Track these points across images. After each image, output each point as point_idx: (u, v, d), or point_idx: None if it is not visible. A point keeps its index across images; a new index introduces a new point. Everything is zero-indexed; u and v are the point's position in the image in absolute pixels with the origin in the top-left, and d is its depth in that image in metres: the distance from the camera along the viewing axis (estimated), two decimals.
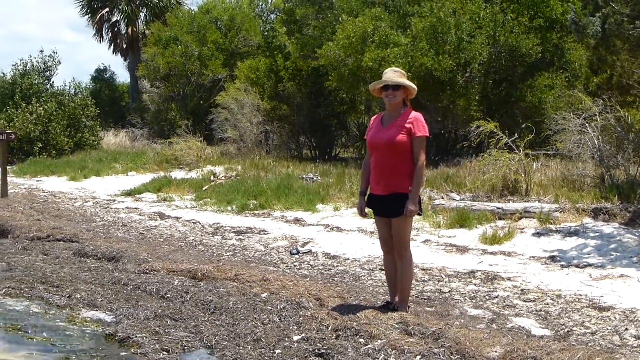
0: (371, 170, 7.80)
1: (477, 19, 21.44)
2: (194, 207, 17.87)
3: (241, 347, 7.14)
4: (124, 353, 7.30)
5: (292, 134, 29.42)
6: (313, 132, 29.03)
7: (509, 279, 9.67)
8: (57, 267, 11.39)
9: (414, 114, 7.60)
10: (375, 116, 8.09)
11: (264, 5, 38.76)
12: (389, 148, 7.54)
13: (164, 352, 7.18)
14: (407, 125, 7.50)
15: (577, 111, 16.11)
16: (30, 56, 40.56)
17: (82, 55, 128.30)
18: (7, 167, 22.32)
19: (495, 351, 6.47)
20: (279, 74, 27.93)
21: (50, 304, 9.26)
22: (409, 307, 7.94)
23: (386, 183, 7.58)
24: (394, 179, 7.53)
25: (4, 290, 9.97)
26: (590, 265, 10.12)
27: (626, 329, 7.41)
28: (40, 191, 23.05)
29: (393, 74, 7.66)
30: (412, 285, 8.92)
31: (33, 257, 12.21)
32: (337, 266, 11.12)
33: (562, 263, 10.32)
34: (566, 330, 7.50)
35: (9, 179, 22.46)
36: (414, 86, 7.72)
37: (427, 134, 7.57)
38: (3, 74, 36.63)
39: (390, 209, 7.60)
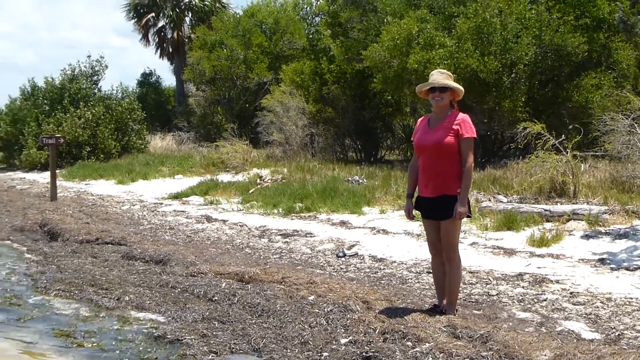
0: (419, 172, 7.77)
1: (522, 19, 21.27)
2: (240, 210, 17.93)
3: (288, 350, 7.15)
4: (173, 355, 7.35)
5: (337, 137, 29.42)
6: (358, 135, 29.00)
7: (557, 281, 9.59)
8: (105, 269, 11.51)
9: (461, 115, 7.56)
10: (422, 118, 8.04)
11: (308, 8, 38.91)
12: (436, 150, 7.51)
13: (212, 354, 7.23)
14: (454, 127, 7.47)
15: (626, 111, 15.93)
16: (78, 61, 41.13)
17: (129, 60, 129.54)
18: (57, 171, 22.56)
19: (545, 355, 6.42)
20: (323, 77, 27.96)
21: (99, 307, 9.36)
22: (456, 310, 7.91)
23: (434, 185, 7.55)
24: (442, 181, 7.50)
25: (54, 292, 10.11)
26: None
27: None
28: (89, 195, 23.31)
29: (440, 76, 7.63)
30: (460, 288, 8.89)
31: (82, 260, 12.35)
32: (383, 269, 11.09)
33: (611, 266, 10.21)
34: (617, 334, 7.41)
35: (58, 182, 22.72)
36: (461, 88, 7.69)
37: (475, 136, 7.52)
38: (52, 79, 36.98)
39: (439, 211, 7.57)
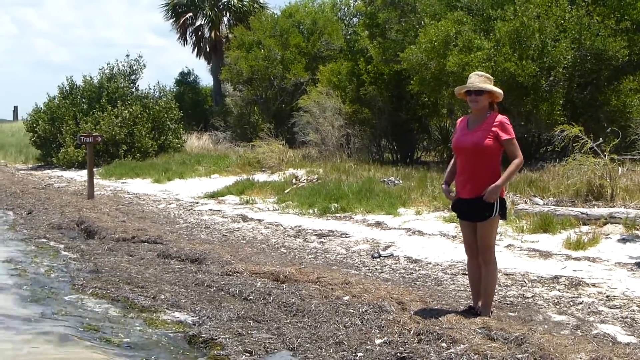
0: (457, 174, 7.78)
1: (562, 22, 21.14)
2: (276, 209, 17.99)
3: (323, 350, 7.18)
4: (207, 354, 7.40)
5: (373, 138, 29.42)
6: (394, 136, 28.97)
7: (593, 285, 9.55)
8: (141, 268, 11.60)
9: (499, 117, 7.55)
10: (461, 119, 8.04)
11: (346, 9, 38.90)
12: (475, 151, 7.51)
13: (247, 354, 7.26)
14: (493, 129, 7.47)
15: None
16: (117, 60, 41.28)
17: (166, 59, 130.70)
18: (94, 170, 22.74)
19: (580, 358, 6.40)
20: (360, 78, 27.96)
21: (135, 305, 9.44)
22: (492, 312, 7.90)
23: (472, 186, 7.55)
24: (480, 182, 7.49)
25: (91, 290, 10.21)
26: None
27: None
28: (125, 193, 23.49)
29: (477, 79, 7.62)
30: (495, 290, 8.88)
31: (119, 258, 12.46)
32: (419, 270, 11.10)
33: None
34: None
35: (95, 181, 22.90)
36: (499, 91, 7.67)
37: (513, 136, 7.56)
38: (90, 77, 37.22)
39: (475, 212, 7.57)
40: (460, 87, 7.79)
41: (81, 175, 28.94)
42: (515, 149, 7.49)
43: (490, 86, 7.65)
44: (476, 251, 7.76)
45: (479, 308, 7.85)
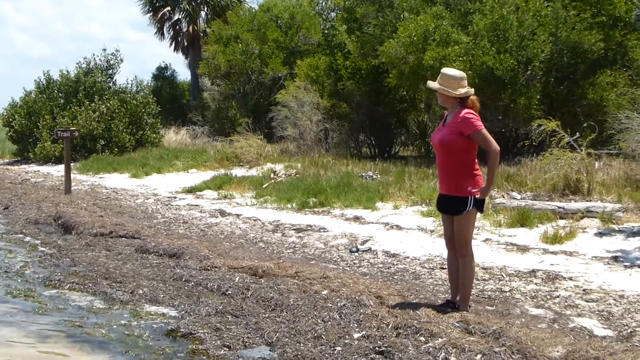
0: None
1: (539, 16, 21.23)
2: (254, 204, 17.96)
3: (302, 344, 7.19)
4: (185, 349, 7.39)
5: (351, 132, 29.41)
6: (372, 131, 28.99)
7: (570, 278, 9.60)
8: (119, 263, 11.58)
9: (463, 112, 7.60)
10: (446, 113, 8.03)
11: (324, 3, 38.83)
12: (442, 148, 7.63)
13: (225, 348, 7.27)
14: (456, 126, 7.52)
15: None
16: (94, 55, 41.17)
17: (144, 54, 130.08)
18: (71, 164, 22.62)
19: (557, 351, 6.44)
20: (338, 72, 27.95)
21: (113, 300, 9.42)
22: (470, 306, 7.93)
23: (446, 182, 7.63)
24: (452, 178, 7.59)
25: (68, 285, 10.17)
26: None
27: None
28: (103, 188, 23.38)
29: (440, 77, 7.67)
30: (473, 284, 8.91)
31: (96, 253, 12.42)
32: (397, 264, 11.12)
33: (625, 263, 10.21)
34: (629, 331, 7.42)
35: (72, 175, 22.79)
36: (435, 86, 7.70)
37: (477, 128, 7.55)
38: (67, 72, 36.97)
39: (451, 207, 7.63)
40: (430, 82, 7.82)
41: (58, 170, 28.78)
42: (485, 140, 7.50)
43: (433, 84, 7.69)
44: (454, 245, 7.80)
45: (458, 302, 7.88)
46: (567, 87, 22.30)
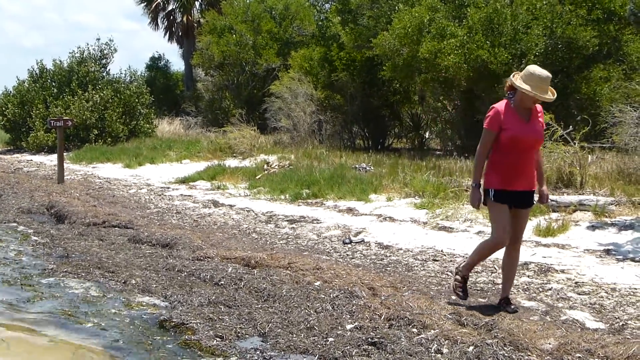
0: None
1: (533, 10, 21.24)
2: (247, 195, 17.96)
3: (294, 335, 7.20)
4: (178, 339, 7.40)
5: (345, 124, 29.43)
6: (366, 122, 29.02)
7: (562, 271, 9.62)
8: (112, 252, 11.59)
9: (538, 107, 7.68)
10: (506, 104, 7.64)
11: None
12: (537, 144, 7.77)
13: (218, 339, 7.28)
14: (541, 121, 7.68)
15: (634, 104, 15.93)
16: (87, 44, 41.03)
17: (138, 44, 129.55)
18: (64, 154, 22.59)
19: (549, 343, 6.46)
20: (332, 64, 27.93)
21: (106, 289, 9.42)
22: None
23: (531, 178, 7.74)
24: (533, 175, 7.74)
25: (61, 274, 10.17)
26: None
27: None
28: (96, 178, 23.37)
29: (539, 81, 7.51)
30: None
31: (89, 243, 12.43)
32: (389, 256, 11.12)
33: (617, 256, 10.23)
34: (621, 323, 7.43)
35: (65, 165, 22.77)
36: (520, 85, 7.51)
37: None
38: (60, 61, 36.89)
39: (530, 201, 7.80)
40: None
41: (51, 159, 28.75)
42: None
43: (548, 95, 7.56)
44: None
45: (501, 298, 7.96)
46: (561, 81, 22.29)
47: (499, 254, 10.19)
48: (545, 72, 7.55)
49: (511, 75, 7.65)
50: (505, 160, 7.46)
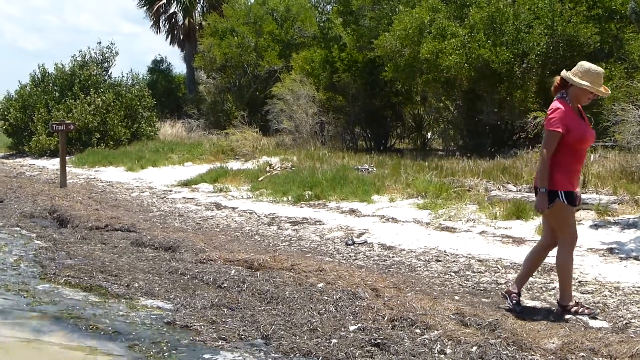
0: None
1: (535, 9, 21.24)
2: (250, 197, 17.95)
3: (297, 337, 7.20)
4: (182, 341, 7.40)
5: (347, 125, 29.42)
6: (368, 123, 29.02)
7: None
8: (115, 256, 11.58)
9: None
10: (564, 104, 7.53)
11: None
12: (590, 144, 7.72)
13: (222, 341, 7.29)
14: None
15: (637, 102, 15.91)
16: (89, 47, 40.88)
17: (139, 47, 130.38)
18: (66, 158, 22.59)
19: (553, 342, 6.45)
20: (334, 65, 27.90)
21: (109, 293, 9.42)
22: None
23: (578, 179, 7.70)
24: None
25: (63, 279, 10.17)
26: None
27: None
28: (98, 181, 23.35)
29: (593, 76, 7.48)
30: (469, 277, 8.97)
31: (92, 247, 12.43)
32: (392, 257, 11.11)
33: (620, 255, 10.21)
34: (624, 322, 7.42)
35: (67, 169, 22.75)
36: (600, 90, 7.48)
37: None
38: (62, 65, 36.89)
39: None
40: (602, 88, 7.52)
41: (53, 163, 28.77)
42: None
43: (604, 90, 7.54)
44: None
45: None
46: None
47: (502, 253, 10.17)
48: (599, 68, 7.52)
49: (562, 74, 7.60)
50: (572, 161, 7.41)
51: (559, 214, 7.45)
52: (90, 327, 8.01)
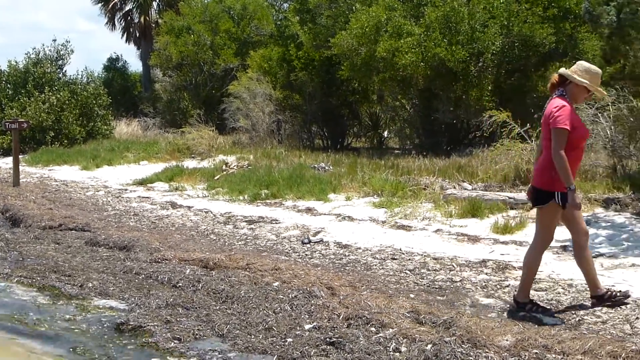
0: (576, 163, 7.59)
1: (490, 8, 21.38)
2: (205, 196, 17.87)
3: (253, 336, 7.18)
4: (135, 342, 7.35)
5: (304, 124, 29.39)
6: (325, 122, 29.01)
7: (520, 268, 9.65)
8: (69, 256, 11.48)
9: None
10: (567, 101, 7.51)
11: None
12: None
13: (176, 341, 7.25)
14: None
15: (590, 101, 16.06)
16: (43, 45, 40.47)
17: (95, 44, 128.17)
18: (20, 156, 22.34)
19: (507, 340, 6.48)
20: (291, 64, 27.86)
21: (62, 293, 9.33)
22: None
23: None
24: None
25: (16, 279, 10.06)
26: (602, 255, 10.09)
27: (637, 318, 7.39)
28: (53, 180, 23.12)
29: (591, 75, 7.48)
30: (424, 275, 9.01)
31: (45, 247, 12.30)
32: (348, 255, 11.12)
33: (573, 252, 10.29)
34: (577, 319, 7.49)
35: (21, 168, 22.50)
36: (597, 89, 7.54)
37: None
38: (16, 62, 36.47)
39: None
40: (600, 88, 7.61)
41: (6, 162, 28.38)
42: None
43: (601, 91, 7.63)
44: None
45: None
46: (518, 79, 22.52)
47: (457, 252, 10.24)
48: (598, 68, 7.57)
49: (560, 71, 7.62)
50: (573, 159, 7.36)
51: (549, 214, 7.54)
52: (35, 328, 7.93)
